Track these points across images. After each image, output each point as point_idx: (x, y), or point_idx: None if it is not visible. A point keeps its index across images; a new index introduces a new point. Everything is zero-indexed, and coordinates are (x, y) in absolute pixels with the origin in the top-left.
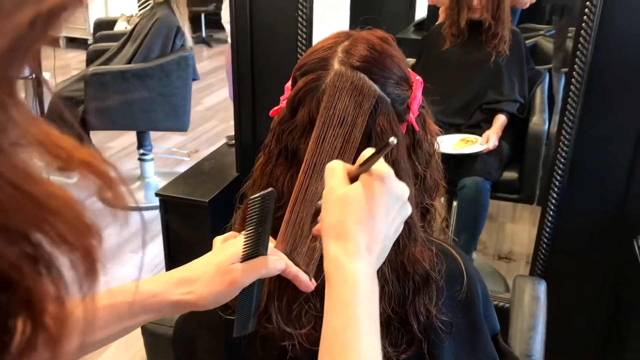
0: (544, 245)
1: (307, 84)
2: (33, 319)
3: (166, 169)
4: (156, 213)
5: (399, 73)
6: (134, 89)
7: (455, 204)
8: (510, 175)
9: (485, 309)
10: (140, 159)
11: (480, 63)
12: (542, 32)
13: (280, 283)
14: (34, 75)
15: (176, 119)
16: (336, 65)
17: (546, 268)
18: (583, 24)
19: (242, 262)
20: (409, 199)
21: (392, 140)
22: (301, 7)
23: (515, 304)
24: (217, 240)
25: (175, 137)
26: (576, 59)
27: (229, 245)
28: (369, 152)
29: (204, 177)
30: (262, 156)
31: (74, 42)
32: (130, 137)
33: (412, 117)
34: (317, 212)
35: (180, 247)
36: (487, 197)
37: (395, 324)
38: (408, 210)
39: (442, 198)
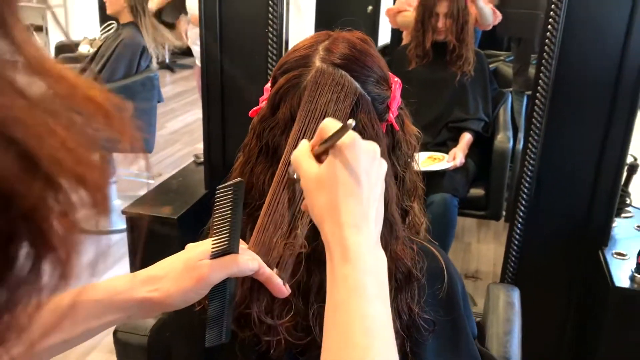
0: (513, 259)
1: (289, 81)
2: (37, 239)
3: (129, 192)
4: (119, 237)
5: (379, 72)
6: None
7: None
8: (477, 192)
9: (464, 309)
10: None
11: (446, 83)
12: (501, 57)
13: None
14: None
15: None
16: (317, 62)
17: (515, 281)
18: (547, 40)
19: (211, 259)
20: (387, 200)
21: (350, 122)
22: (271, 22)
23: (490, 310)
24: (190, 246)
25: (137, 161)
26: (540, 74)
27: (199, 244)
28: (328, 122)
29: (172, 194)
30: (242, 156)
31: None
32: None
33: (391, 117)
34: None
35: (147, 267)
36: (455, 213)
37: None
38: (384, 166)
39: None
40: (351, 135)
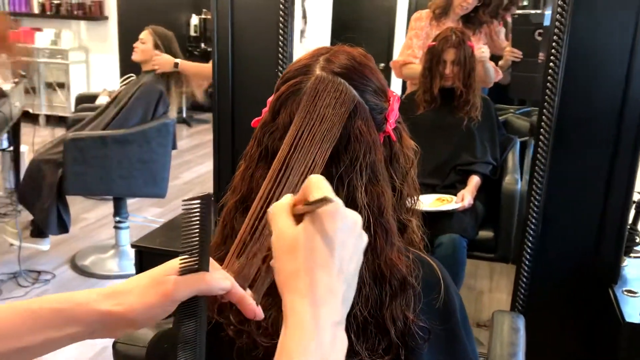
0: (521, 296)
1: (289, 87)
2: None
3: None
4: None
5: (377, 83)
6: (113, 155)
7: None
8: (485, 234)
9: (464, 325)
10: (116, 227)
11: (453, 127)
12: (511, 110)
13: None
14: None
15: (155, 185)
16: (317, 70)
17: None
18: (548, 84)
19: (179, 275)
20: (383, 205)
21: (334, 200)
22: (281, 62)
23: (494, 334)
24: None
25: (152, 209)
26: (543, 117)
27: (170, 261)
28: (315, 179)
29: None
30: (243, 162)
31: (54, 120)
32: (107, 208)
33: (389, 128)
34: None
35: None
36: (464, 254)
37: (372, 328)
38: (364, 240)
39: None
40: (334, 205)
